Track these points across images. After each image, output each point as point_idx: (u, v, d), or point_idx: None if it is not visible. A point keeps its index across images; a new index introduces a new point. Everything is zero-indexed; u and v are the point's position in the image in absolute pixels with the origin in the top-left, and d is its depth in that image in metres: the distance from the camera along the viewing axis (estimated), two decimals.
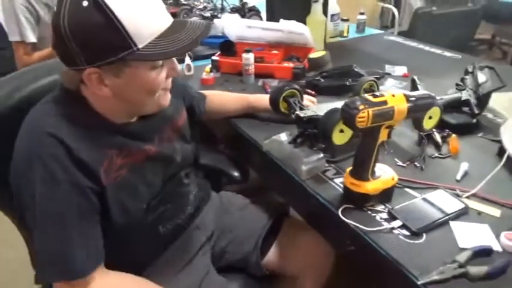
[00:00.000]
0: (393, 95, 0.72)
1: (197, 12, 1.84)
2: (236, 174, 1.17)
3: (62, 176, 0.68)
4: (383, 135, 0.75)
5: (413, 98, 0.74)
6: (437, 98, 1.08)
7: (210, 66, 1.51)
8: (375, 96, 0.71)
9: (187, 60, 1.48)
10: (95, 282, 0.73)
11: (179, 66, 0.81)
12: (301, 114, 0.93)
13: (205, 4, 2.00)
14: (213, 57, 1.51)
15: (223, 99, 1.19)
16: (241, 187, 1.25)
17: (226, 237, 1.07)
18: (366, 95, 0.71)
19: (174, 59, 0.79)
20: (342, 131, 0.81)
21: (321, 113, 0.87)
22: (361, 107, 0.69)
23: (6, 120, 0.81)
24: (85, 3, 0.65)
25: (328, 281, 1.11)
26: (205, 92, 1.18)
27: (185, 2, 2.04)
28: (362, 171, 0.77)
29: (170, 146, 0.92)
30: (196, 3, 2.02)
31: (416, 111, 0.76)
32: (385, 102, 0.71)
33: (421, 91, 0.85)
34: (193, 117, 1.08)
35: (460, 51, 1.76)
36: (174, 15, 2.15)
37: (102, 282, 0.74)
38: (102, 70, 0.69)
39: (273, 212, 1.10)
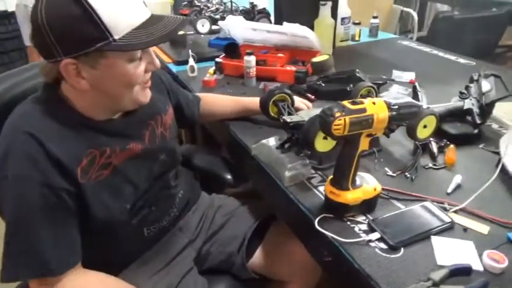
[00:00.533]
0: (374, 103, 0.70)
1: (206, 14, 1.85)
2: (228, 177, 1.17)
3: (34, 174, 0.69)
4: (363, 144, 0.73)
5: (395, 106, 0.71)
6: (438, 106, 1.06)
7: (213, 68, 1.52)
8: (354, 103, 0.69)
9: (191, 61, 1.49)
10: (70, 282, 0.73)
11: (158, 61, 0.81)
12: (288, 119, 0.91)
13: (217, 6, 2.01)
14: (217, 59, 1.51)
15: (217, 101, 1.19)
16: (237, 191, 1.25)
17: (212, 239, 1.07)
18: (345, 102, 0.69)
19: (152, 53, 0.79)
20: (326, 137, 0.79)
21: (308, 119, 0.86)
22: (337, 114, 0.66)
23: None
24: None
25: (318, 286, 1.09)
26: (200, 94, 1.18)
27: (198, 4, 2.06)
28: (342, 180, 0.75)
29: (154, 144, 0.91)
30: (209, 5, 2.04)
31: (399, 120, 0.73)
32: (363, 110, 0.68)
33: (405, 99, 0.81)
34: (185, 119, 1.08)
35: (483, 57, 1.69)
36: (185, 16, 2.18)
37: (77, 282, 0.75)
38: (79, 61, 0.70)
39: (260, 215, 1.09)
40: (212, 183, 1.20)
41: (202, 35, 1.83)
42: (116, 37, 0.69)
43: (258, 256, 1.06)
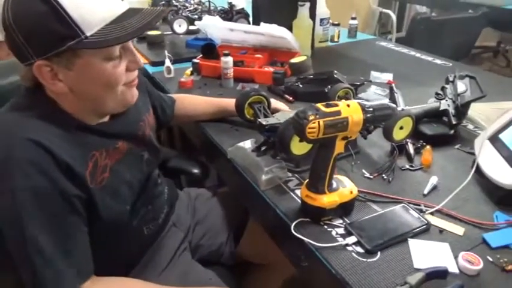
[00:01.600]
0: (348, 105, 0.69)
1: (184, 14, 1.82)
2: (196, 171, 1.19)
3: (45, 184, 0.65)
4: (339, 147, 0.72)
5: (370, 109, 0.70)
6: (415, 107, 1.06)
7: (191, 69, 1.49)
8: (328, 105, 0.68)
9: (167, 62, 1.46)
10: None
11: (140, 59, 0.77)
12: (263, 121, 0.89)
13: (195, 6, 1.98)
14: (194, 60, 1.48)
15: (192, 102, 1.17)
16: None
17: (200, 230, 1.10)
18: (319, 104, 0.68)
19: (134, 51, 0.74)
20: (301, 140, 0.78)
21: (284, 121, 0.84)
22: (311, 117, 0.65)
23: None
24: None
25: None
26: (175, 95, 1.16)
27: (176, 3, 2.02)
28: (317, 183, 0.74)
29: (139, 143, 0.90)
30: (187, 4, 2.00)
31: (374, 122, 0.72)
32: (338, 113, 0.67)
33: (381, 100, 0.81)
34: (159, 121, 1.06)
35: (460, 58, 1.71)
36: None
37: None
38: (53, 63, 0.67)
39: (238, 207, 1.11)
40: (180, 179, 1.24)
41: (180, 35, 1.80)
42: (88, 34, 0.65)
43: (244, 242, 1.10)
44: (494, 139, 0.88)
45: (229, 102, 1.11)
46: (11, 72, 0.90)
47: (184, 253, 1.02)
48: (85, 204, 0.71)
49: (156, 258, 0.96)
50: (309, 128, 0.65)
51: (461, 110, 1.05)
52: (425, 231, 0.74)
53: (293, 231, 0.73)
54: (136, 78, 0.79)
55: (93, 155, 0.74)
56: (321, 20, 1.81)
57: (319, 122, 0.65)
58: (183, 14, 1.82)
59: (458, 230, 0.74)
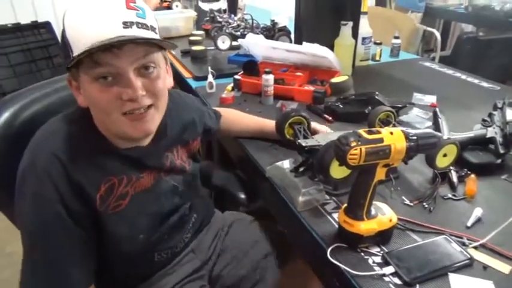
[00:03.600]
0: (391, 133, 0.68)
1: (227, 30, 1.87)
2: (242, 196, 1.16)
3: (53, 195, 0.69)
4: (380, 174, 0.71)
5: (414, 137, 0.69)
6: (459, 135, 1.03)
7: (232, 85, 1.52)
8: (371, 132, 0.67)
9: (210, 78, 1.50)
10: None
11: (138, 90, 0.70)
12: (303, 143, 0.90)
13: (238, 23, 2.03)
14: (235, 76, 1.52)
15: (238, 119, 1.19)
16: (250, 210, 1.24)
17: (224, 258, 1.05)
18: (361, 131, 0.67)
19: (131, 78, 0.69)
20: (341, 164, 0.78)
21: (324, 143, 0.84)
22: (353, 143, 0.65)
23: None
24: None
25: None
26: (221, 109, 1.18)
27: (220, 20, 2.08)
28: (356, 210, 0.73)
29: (175, 175, 0.91)
30: (230, 21, 2.05)
31: (418, 150, 0.71)
32: (381, 140, 0.67)
33: (424, 129, 0.79)
34: (207, 137, 1.08)
35: (509, 80, 1.64)
36: (206, 32, 2.20)
37: None
38: (72, 78, 0.74)
39: (275, 239, 1.07)
40: (226, 202, 1.19)
41: (222, 51, 1.85)
42: (75, 53, 0.67)
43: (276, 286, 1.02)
44: None
45: (271, 124, 1.10)
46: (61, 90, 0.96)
47: (196, 282, 0.98)
48: (92, 223, 0.74)
49: (162, 282, 0.93)
50: (351, 155, 0.65)
51: (510, 138, 1.00)
52: (467, 266, 0.71)
53: (329, 256, 0.72)
54: (139, 115, 0.73)
55: (109, 179, 0.76)
56: (363, 39, 1.80)
57: (361, 148, 0.65)
58: (226, 30, 1.86)
59: (505, 268, 0.70)
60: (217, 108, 1.19)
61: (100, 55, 0.66)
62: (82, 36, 0.67)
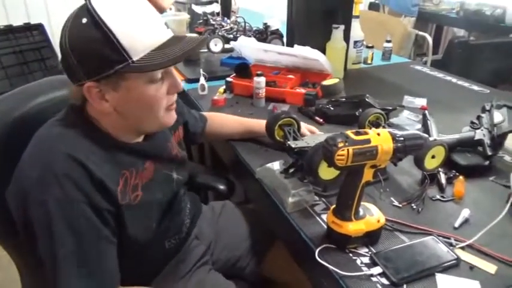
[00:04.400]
0: (378, 134, 0.69)
1: (220, 33, 1.87)
2: (222, 187, 1.22)
3: (79, 197, 0.69)
4: (367, 175, 0.71)
5: (400, 138, 0.70)
6: (448, 137, 1.04)
7: (224, 87, 1.52)
8: (358, 133, 0.68)
9: (202, 80, 1.50)
10: None
11: (181, 83, 0.81)
12: (293, 144, 0.90)
13: (231, 25, 2.03)
14: (227, 79, 1.52)
15: (224, 122, 1.20)
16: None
17: (221, 244, 1.11)
18: (349, 132, 0.68)
19: (175, 75, 0.78)
20: (330, 166, 0.78)
21: (313, 145, 0.85)
22: (341, 144, 0.65)
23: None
24: (84, 20, 0.68)
25: None
26: (207, 114, 1.19)
27: (213, 22, 2.09)
28: (344, 210, 0.74)
29: (170, 164, 0.94)
30: (223, 23, 2.06)
31: (405, 152, 0.71)
32: (368, 141, 0.67)
33: (411, 130, 0.80)
34: (189, 137, 1.09)
35: (499, 84, 1.66)
36: (199, 34, 2.21)
37: None
38: (101, 84, 0.72)
39: (259, 222, 1.13)
40: (206, 194, 1.25)
41: (215, 54, 1.85)
42: (135, 58, 0.69)
43: (269, 259, 1.11)
44: None
45: (259, 124, 1.12)
46: (51, 90, 0.95)
47: (205, 266, 1.04)
48: (114, 218, 0.75)
49: (176, 269, 0.99)
50: (338, 155, 0.65)
51: (498, 140, 1.02)
52: (454, 267, 0.71)
53: (317, 257, 0.72)
54: (175, 102, 0.82)
55: (123, 173, 0.78)
56: (355, 42, 1.81)
57: (348, 149, 0.66)
58: (219, 33, 1.87)
59: (490, 268, 0.71)
60: (203, 113, 1.21)
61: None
62: (140, 40, 0.70)
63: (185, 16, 2.41)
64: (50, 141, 0.73)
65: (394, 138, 0.69)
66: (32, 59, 3.07)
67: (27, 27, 3.07)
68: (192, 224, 1.06)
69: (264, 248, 1.13)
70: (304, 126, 1.08)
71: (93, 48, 0.68)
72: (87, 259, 0.70)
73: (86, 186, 0.69)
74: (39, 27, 3.11)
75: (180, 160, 0.98)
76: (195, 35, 0.74)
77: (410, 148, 0.71)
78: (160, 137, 0.91)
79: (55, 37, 3.11)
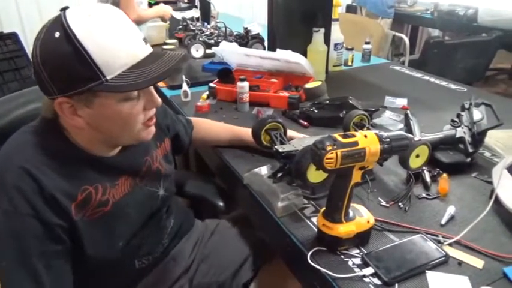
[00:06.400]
0: (365, 136, 0.69)
1: (201, 38, 1.86)
2: (220, 204, 1.14)
3: (27, 210, 0.67)
4: (356, 177, 0.72)
5: (387, 139, 0.71)
6: (430, 135, 1.06)
7: (207, 93, 1.52)
8: (345, 136, 0.68)
9: (185, 86, 1.49)
10: None
11: (158, 98, 0.78)
12: (280, 148, 0.90)
13: (212, 31, 2.03)
14: (210, 84, 1.51)
15: (210, 128, 1.18)
16: (230, 216, 1.23)
17: (204, 267, 1.05)
18: (336, 135, 0.68)
19: (152, 90, 0.77)
20: (318, 169, 0.79)
21: (300, 148, 0.85)
22: (329, 147, 0.66)
23: None
24: (57, 34, 0.66)
25: None
26: (194, 119, 1.18)
27: (193, 28, 2.08)
28: (334, 213, 0.74)
29: (153, 179, 0.90)
30: (203, 29, 2.05)
31: (391, 152, 0.72)
32: (355, 143, 0.68)
33: (396, 131, 0.81)
34: (178, 148, 1.08)
35: (475, 81, 1.71)
36: (180, 40, 2.19)
37: None
38: (73, 100, 0.69)
39: (255, 244, 1.07)
40: (204, 210, 1.18)
41: (196, 60, 1.84)
42: (109, 77, 0.67)
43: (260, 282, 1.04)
44: None
45: (246, 131, 1.10)
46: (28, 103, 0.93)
47: None
48: (68, 233, 0.72)
49: None
50: (327, 159, 0.66)
51: (478, 137, 1.04)
52: (443, 263, 0.73)
53: (309, 260, 0.73)
54: (154, 117, 0.80)
55: (85, 188, 0.75)
56: (335, 45, 1.83)
57: (336, 152, 0.66)
58: (200, 38, 1.86)
59: (478, 262, 0.73)
60: (188, 118, 1.19)
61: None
62: (115, 58, 0.67)
63: (165, 22, 2.40)
64: (9, 151, 0.72)
65: (380, 139, 0.70)
66: (6, 69, 2.99)
67: (0, 37, 2.99)
68: (172, 244, 1.02)
69: (252, 275, 1.04)
70: (290, 132, 1.07)
71: (65, 64, 0.65)
72: (34, 273, 0.68)
73: (36, 199, 0.68)
74: (13, 36, 3.04)
75: (164, 175, 0.94)
76: (175, 52, 0.71)
77: (397, 149, 0.72)
78: (139, 150, 0.87)
79: (30, 46, 3.04)
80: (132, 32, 0.72)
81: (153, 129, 0.81)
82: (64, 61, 0.66)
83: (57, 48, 0.66)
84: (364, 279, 0.70)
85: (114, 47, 0.68)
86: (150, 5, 2.43)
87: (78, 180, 0.74)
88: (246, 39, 1.88)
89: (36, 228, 0.68)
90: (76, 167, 0.75)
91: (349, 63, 1.97)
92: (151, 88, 0.76)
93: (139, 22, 2.25)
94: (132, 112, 0.74)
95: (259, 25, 1.93)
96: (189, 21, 2.07)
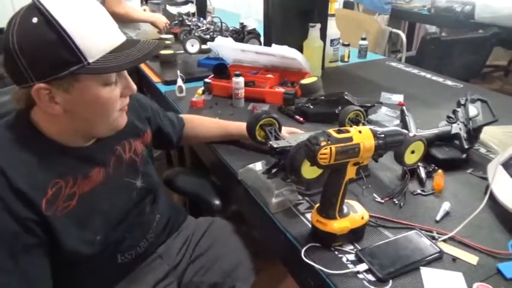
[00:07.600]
0: (360, 131, 0.69)
1: (196, 34, 1.85)
2: (217, 202, 1.13)
3: None
4: (350, 173, 0.71)
5: (381, 135, 0.70)
6: (426, 131, 1.06)
7: (202, 88, 1.51)
8: (340, 131, 0.68)
9: (180, 81, 1.48)
10: None
11: (134, 85, 0.80)
12: (274, 144, 0.90)
13: (207, 26, 2.01)
14: (206, 80, 1.50)
15: (203, 124, 1.17)
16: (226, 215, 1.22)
17: (195, 263, 1.02)
18: (331, 130, 0.68)
19: (128, 77, 0.78)
20: (312, 165, 0.78)
21: (295, 144, 0.84)
22: (323, 143, 0.65)
23: None
24: (34, 20, 0.65)
25: None
26: (185, 116, 1.17)
27: (189, 23, 2.06)
28: (328, 209, 0.73)
29: (129, 170, 0.89)
30: (199, 24, 2.04)
31: (386, 148, 0.72)
32: (350, 139, 0.67)
33: (391, 127, 0.81)
34: (165, 142, 1.07)
35: (471, 78, 1.70)
36: (175, 35, 2.18)
37: None
38: (52, 86, 0.69)
39: (250, 244, 1.05)
40: (200, 208, 1.17)
41: (192, 55, 1.83)
42: (91, 60, 0.68)
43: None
44: (508, 165, 0.87)
45: (238, 126, 1.10)
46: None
47: None
48: (42, 228, 0.71)
49: None
50: (321, 154, 0.65)
51: (473, 134, 1.04)
52: (438, 260, 0.72)
53: (303, 256, 0.72)
54: (127, 104, 0.81)
55: (56, 182, 0.73)
56: (331, 40, 1.83)
57: (330, 148, 0.65)
58: (196, 33, 1.85)
59: (472, 259, 0.73)
60: (180, 115, 1.18)
61: None
62: (97, 42, 0.70)
63: (157, 30, 2.38)
64: None
65: (375, 135, 0.69)
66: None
67: None
68: (158, 240, 1.00)
69: (243, 279, 1.00)
70: (285, 130, 1.07)
71: (47, 50, 0.66)
72: (4, 266, 0.67)
73: (4, 193, 0.67)
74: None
75: (140, 166, 0.92)
76: (150, 40, 0.73)
77: (391, 144, 0.72)
78: (111, 140, 0.85)
79: None
80: (109, 19, 0.74)
81: (125, 117, 0.82)
82: (45, 46, 0.66)
83: (37, 33, 0.65)
84: (358, 275, 0.69)
85: (94, 31, 0.70)
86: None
87: (50, 174, 0.73)
88: (242, 35, 1.86)
89: (6, 220, 0.67)
90: (48, 159, 0.74)
91: (346, 59, 1.96)
92: (127, 76, 0.78)
93: (126, 19, 2.24)
94: (111, 97, 0.75)
95: (255, 20, 1.92)
96: (184, 16, 2.05)
